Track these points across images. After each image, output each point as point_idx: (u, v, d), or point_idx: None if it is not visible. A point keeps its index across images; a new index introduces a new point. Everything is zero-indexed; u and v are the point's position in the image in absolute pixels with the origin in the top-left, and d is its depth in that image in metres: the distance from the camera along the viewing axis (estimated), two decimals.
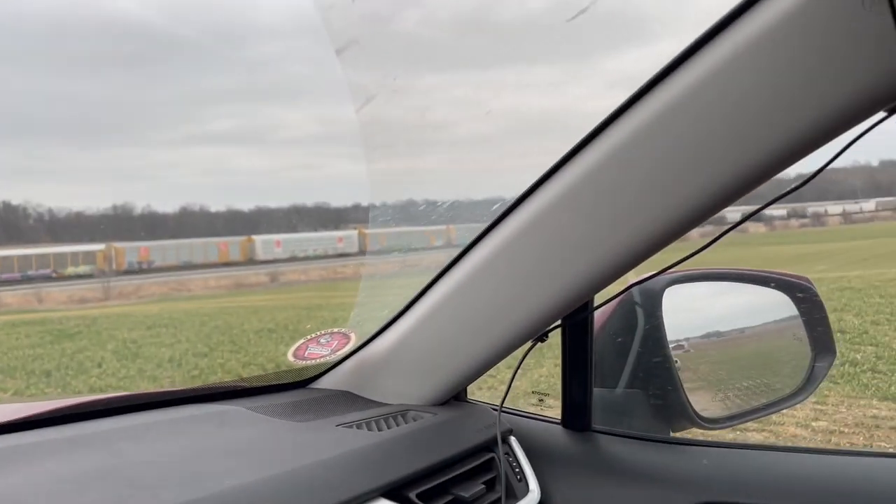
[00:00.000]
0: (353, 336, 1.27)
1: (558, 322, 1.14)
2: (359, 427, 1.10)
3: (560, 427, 1.27)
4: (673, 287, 1.66)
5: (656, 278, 1.36)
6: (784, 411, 6.50)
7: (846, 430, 5.99)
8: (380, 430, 1.10)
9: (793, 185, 0.86)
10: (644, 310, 1.35)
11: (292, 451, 1.00)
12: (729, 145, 0.84)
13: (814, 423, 6.16)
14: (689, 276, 1.41)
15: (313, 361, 1.26)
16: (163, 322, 13.50)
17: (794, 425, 6.15)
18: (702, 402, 1.64)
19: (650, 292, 1.34)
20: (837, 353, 1.41)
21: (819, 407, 6.57)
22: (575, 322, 1.20)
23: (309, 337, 1.27)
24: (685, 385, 1.75)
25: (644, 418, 1.35)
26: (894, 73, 0.73)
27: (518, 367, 1.15)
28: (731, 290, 1.55)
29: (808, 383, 1.39)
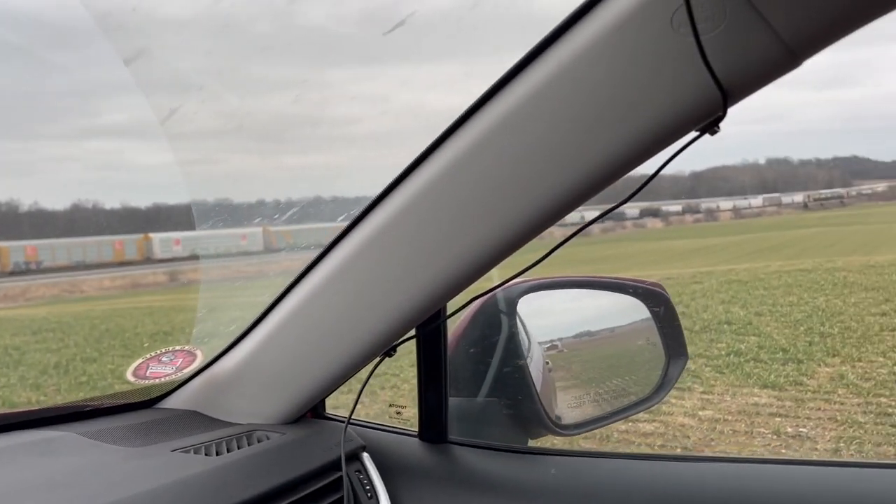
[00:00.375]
0: (199, 353, 1.22)
1: (412, 332, 1.12)
2: (196, 451, 1.05)
3: (416, 440, 1.26)
4: (531, 295, 1.69)
5: (513, 287, 1.36)
6: (672, 401, 6.76)
7: (730, 418, 6.28)
8: (219, 453, 1.05)
9: (615, 203, 0.87)
10: (503, 318, 1.35)
11: (119, 482, 0.94)
12: (557, 158, 0.84)
13: (700, 413, 6.43)
14: (546, 284, 1.42)
15: (157, 381, 1.20)
16: (50, 326, 12.79)
17: (682, 415, 6.40)
18: (572, 399, 1.67)
19: (507, 300, 1.35)
20: (689, 356, 1.46)
21: (706, 396, 6.87)
22: (428, 331, 1.19)
23: (149, 355, 1.20)
24: (558, 384, 1.78)
25: (503, 427, 1.36)
26: (702, 94, 0.75)
27: (366, 381, 1.13)
28: (592, 297, 1.58)
29: (662, 387, 1.43)
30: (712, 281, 12.83)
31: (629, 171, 0.83)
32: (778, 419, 6.14)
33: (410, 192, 0.97)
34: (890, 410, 6.02)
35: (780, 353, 7.83)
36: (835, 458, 5.25)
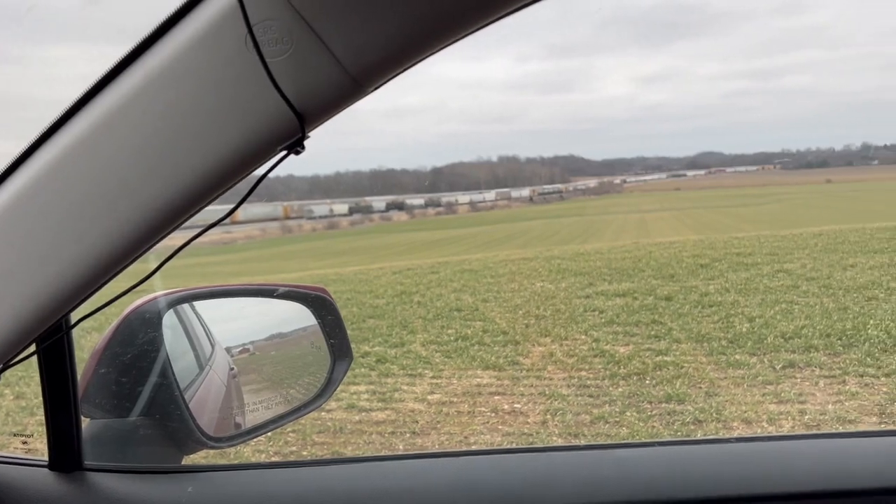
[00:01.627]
0: None
1: (31, 349, 1.00)
2: None
3: (46, 469, 1.14)
4: (221, 300, 1.62)
5: (162, 298, 1.29)
6: (404, 388, 7.00)
7: (455, 400, 6.65)
8: None
9: (212, 223, 0.85)
10: (148, 332, 1.27)
11: None
12: (144, 178, 0.80)
13: (429, 397, 6.74)
14: (195, 295, 1.37)
15: None
16: None
17: (413, 401, 6.66)
18: (261, 401, 1.64)
19: (150, 313, 1.27)
20: (354, 357, 1.49)
21: (435, 381, 7.21)
22: (50, 346, 1.07)
23: None
24: (250, 387, 1.73)
25: (156, 447, 1.28)
26: (282, 115, 0.74)
27: None
28: (261, 304, 1.55)
29: (328, 387, 1.44)
30: (447, 271, 13.53)
31: (222, 189, 0.81)
32: (497, 397, 6.62)
33: (16, 186, 0.87)
34: (588, 382, 6.76)
35: (501, 336, 8.45)
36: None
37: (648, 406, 6.09)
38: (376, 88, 0.75)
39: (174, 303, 1.32)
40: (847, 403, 5.79)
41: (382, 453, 4.99)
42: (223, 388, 1.67)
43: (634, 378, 6.74)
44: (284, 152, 0.78)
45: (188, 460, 1.31)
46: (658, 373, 6.81)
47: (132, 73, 0.80)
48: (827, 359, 6.83)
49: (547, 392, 6.57)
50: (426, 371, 7.48)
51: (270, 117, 0.75)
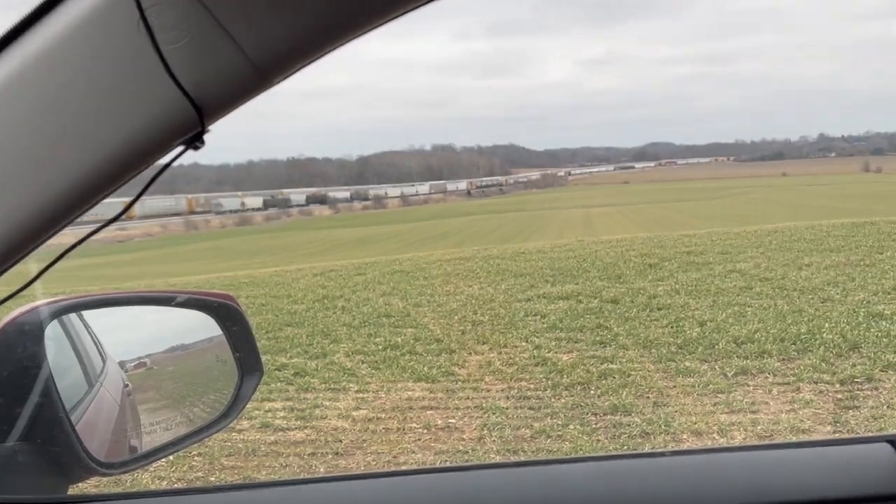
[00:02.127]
0: None
1: None
2: None
3: None
4: (111, 309, 1.60)
5: (41, 309, 1.27)
6: (326, 404, 6.98)
7: (383, 416, 6.66)
8: None
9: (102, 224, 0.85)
10: (28, 346, 1.25)
11: None
12: (30, 171, 0.80)
13: (355, 413, 6.72)
14: (84, 303, 1.35)
15: None
16: None
17: (336, 418, 6.64)
18: (159, 422, 1.62)
19: (30, 324, 1.25)
20: (265, 371, 1.49)
21: (361, 395, 7.20)
22: None
23: None
24: (146, 406, 1.71)
25: (38, 475, 1.26)
26: (179, 107, 0.75)
27: None
28: (159, 313, 1.54)
29: (236, 404, 1.44)
30: (376, 272, 13.52)
31: (113, 186, 0.81)
32: (430, 412, 6.66)
33: None
34: (528, 394, 6.87)
35: (435, 344, 8.50)
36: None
37: (593, 418, 6.22)
38: (283, 79, 0.77)
39: (59, 312, 1.29)
40: (801, 412, 6.05)
41: (300, 476, 4.97)
42: (116, 408, 1.65)
43: (578, 388, 6.88)
44: (182, 147, 0.79)
45: (75, 489, 1.30)
46: (603, 382, 6.96)
47: (12, 53, 0.79)
48: (781, 365, 7.12)
49: (484, 405, 6.64)
50: (351, 384, 7.46)
51: (167, 109, 0.75)
